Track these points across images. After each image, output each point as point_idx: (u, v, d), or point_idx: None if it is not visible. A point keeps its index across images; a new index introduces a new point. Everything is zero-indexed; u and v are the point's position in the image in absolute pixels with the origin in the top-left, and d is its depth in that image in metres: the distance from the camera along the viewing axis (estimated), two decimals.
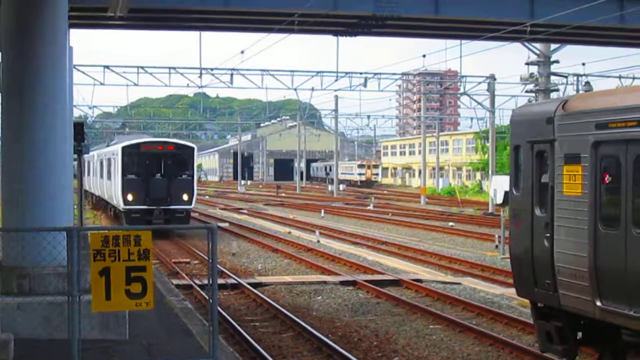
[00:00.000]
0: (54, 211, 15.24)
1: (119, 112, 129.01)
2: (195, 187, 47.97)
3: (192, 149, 48.42)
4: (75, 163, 27.50)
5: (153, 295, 11.80)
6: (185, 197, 45.78)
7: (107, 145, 67.21)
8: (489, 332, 20.48)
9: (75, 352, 11.72)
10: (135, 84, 61.04)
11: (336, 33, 34.12)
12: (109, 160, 52.41)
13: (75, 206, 27.26)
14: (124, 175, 45.92)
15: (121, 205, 45.83)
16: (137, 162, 46.59)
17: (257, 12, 28.87)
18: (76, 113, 66.74)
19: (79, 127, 27.70)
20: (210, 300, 12.27)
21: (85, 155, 63.61)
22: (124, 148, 46.86)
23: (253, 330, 20.54)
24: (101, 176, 58.98)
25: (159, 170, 45.95)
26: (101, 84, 59.69)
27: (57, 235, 13.06)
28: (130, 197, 45.52)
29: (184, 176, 46.43)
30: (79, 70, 55.32)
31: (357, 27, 30.79)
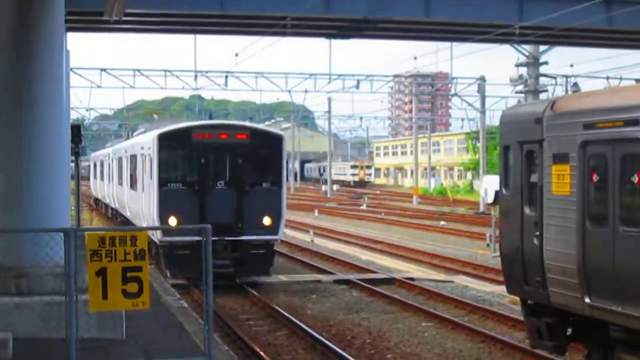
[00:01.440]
0: (52, 212, 15.23)
1: (115, 115, 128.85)
2: (285, 204, 27.66)
3: (280, 139, 28.29)
4: (73, 165, 27.42)
5: (149, 295, 11.81)
6: (266, 220, 26.52)
7: (128, 138, 45.13)
8: (481, 329, 20.50)
9: (73, 350, 11.71)
10: (132, 87, 61.08)
11: (329, 36, 34.16)
12: (133, 158, 33.55)
13: (73, 207, 27.22)
14: (161, 184, 26.26)
15: (158, 235, 26.10)
16: (185, 161, 27.60)
17: (252, 15, 28.86)
18: (73, 115, 66.55)
19: (76, 129, 27.63)
20: (205, 300, 12.28)
21: (96, 154, 61.92)
22: (161, 138, 26.81)
23: (248, 328, 20.54)
24: (119, 182, 40.62)
25: (222, 174, 26.74)
26: (98, 86, 59.67)
27: (55, 236, 13.04)
28: (172, 222, 25.89)
29: (265, 185, 26.97)
30: (76, 73, 55.17)
31: (350, 30, 30.81)
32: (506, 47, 46.91)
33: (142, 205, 29.64)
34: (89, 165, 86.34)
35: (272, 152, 27.50)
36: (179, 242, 25.47)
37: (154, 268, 24.10)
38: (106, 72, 59.39)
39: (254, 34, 34.55)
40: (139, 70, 60.55)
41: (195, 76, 62.50)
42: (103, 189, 53.12)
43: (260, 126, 33.87)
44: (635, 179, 13.18)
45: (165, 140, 26.72)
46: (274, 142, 27.84)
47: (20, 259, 14.50)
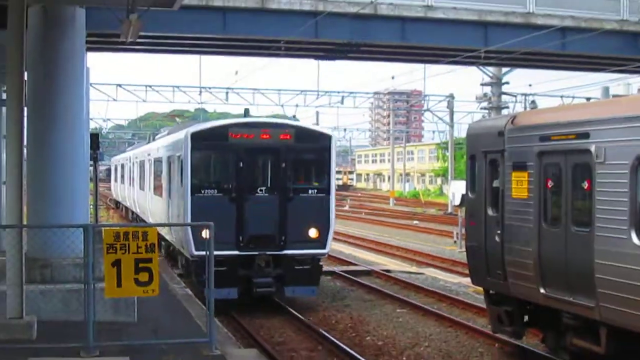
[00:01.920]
0: (73, 210, 15.21)
1: (129, 125, 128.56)
2: (334, 213, 21.78)
3: (328, 139, 22.24)
4: (91, 169, 27.33)
5: (158, 283, 11.79)
6: (312, 232, 21.09)
7: (154, 140, 35.31)
8: (448, 316, 20.50)
9: (90, 332, 11.70)
10: (144, 100, 61.02)
11: (317, 57, 34.08)
12: (158, 162, 27.32)
13: (91, 206, 27.12)
14: (194, 191, 20.70)
15: (191, 249, 20.28)
16: (221, 164, 21.70)
17: (250, 39, 28.83)
18: (92, 125, 66.36)
19: (95, 138, 27.58)
20: (207, 286, 12.26)
21: (116, 157, 60.82)
22: (194, 137, 20.91)
23: (243, 314, 20.46)
24: (141, 187, 33.88)
25: (262, 180, 21.31)
26: (114, 100, 59.51)
27: (75, 231, 13.03)
28: (206, 234, 17.06)
29: (312, 192, 21.47)
30: (95, 88, 55.06)
31: (335, 53, 30.79)
32: (473, 69, 46.85)
33: (170, 213, 23.28)
34: (110, 168, 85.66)
35: (319, 154, 21.75)
36: (214, 257, 18.25)
37: (163, 259, 23.87)
38: (121, 87, 59.31)
39: (251, 55, 34.53)
40: (150, 86, 60.54)
41: (200, 91, 62.58)
42: (124, 192, 47.58)
43: (305, 124, 25.49)
44: (585, 185, 13.21)
45: (199, 140, 20.68)
46: (322, 142, 21.78)
47: (44, 251, 14.46)
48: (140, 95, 60.47)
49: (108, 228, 11.99)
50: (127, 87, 59.69)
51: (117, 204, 58.51)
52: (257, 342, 16.96)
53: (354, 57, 32.73)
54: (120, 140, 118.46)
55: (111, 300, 12.95)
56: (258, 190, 20.70)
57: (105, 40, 26.07)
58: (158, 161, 27.20)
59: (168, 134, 28.42)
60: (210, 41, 29.78)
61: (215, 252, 15.45)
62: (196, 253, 19.75)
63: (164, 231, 24.94)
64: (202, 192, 20.46)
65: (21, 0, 12.96)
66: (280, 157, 20.83)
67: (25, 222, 13.72)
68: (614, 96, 15.72)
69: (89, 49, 23.04)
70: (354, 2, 26.07)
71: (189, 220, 20.12)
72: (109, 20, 17.22)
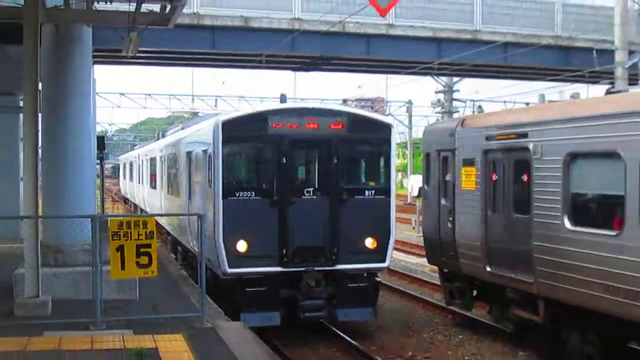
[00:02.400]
0: (82, 203, 15.08)
1: (131, 128, 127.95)
2: (394, 218, 15.98)
3: (388, 128, 15.78)
4: (98, 167, 27.11)
5: (157, 266, 11.76)
6: (370, 242, 15.21)
7: (163, 136, 29.26)
8: (408, 291, 20.57)
9: (98, 309, 11.66)
10: (144, 107, 60.80)
11: (294, 69, 34.12)
12: (174, 158, 21.46)
13: (98, 199, 26.94)
14: (226, 193, 14.51)
15: (224, 266, 14.37)
16: (260, 160, 15.43)
17: (235, 53, 28.78)
18: (98, 128, 65.98)
19: (101, 139, 27.36)
20: (199, 267, 12.23)
21: (125, 155, 60.04)
22: (226, 126, 14.67)
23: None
24: (152, 185, 28.16)
25: (310, 179, 15.63)
26: (118, 107, 59.19)
27: (84, 221, 12.96)
28: (242, 247, 14.42)
29: (368, 193, 15.47)
30: (100, 96, 54.65)
31: (310, 65, 30.82)
32: (428, 78, 46.94)
33: (190, 218, 17.34)
34: (115, 166, 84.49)
35: (377, 146, 15.63)
36: (251, 275, 14.38)
37: (161, 245, 23.72)
38: (124, 95, 58.98)
39: (237, 67, 34.43)
40: (149, 94, 60.28)
41: (193, 99, 62.44)
42: (132, 189, 41.96)
43: (360, 111, 18.09)
44: (524, 178, 13.31)
45: (233, 130, 14.57)
46: (381, 132, 15.45)
47: (57, 239, 14.37)
48: (140, 102, 60.21)
49: (113, 218, 11.96)
50: (129, 95, 59.42)
51: (126, 200, 57.90)
52: None
53: (326, 68, 32.81)
54: (123, 142, 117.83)
55: (116, 281, 12.88)
56: (305, 192, 14.78)
57: (110, 54, 25.90)
58: (173, 158, 21.50)
59: (182, 128, 23.36)
60: (201, 55, 29.71)
61: (254, 269, 14.08)
62: (231, 271, 14.26)
63: (167, 228, 21.04)
64: (237, 195, 14.40)
65: (35, 20, 12.93)
66: (331, 151, 14.88)
67: (40, 214, 13.65)
68: (549, 102, 15.78)
69: (95, 62, 22.88)
70: (325, 22, 26.07)
71: (220, 230, 14.25)
72: (113, 37, 17.14)
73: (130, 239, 11.47)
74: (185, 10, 20.45)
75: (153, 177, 28.35)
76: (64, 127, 15.11)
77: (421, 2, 28.85)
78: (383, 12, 10.31)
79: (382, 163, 15.76)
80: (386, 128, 15.58)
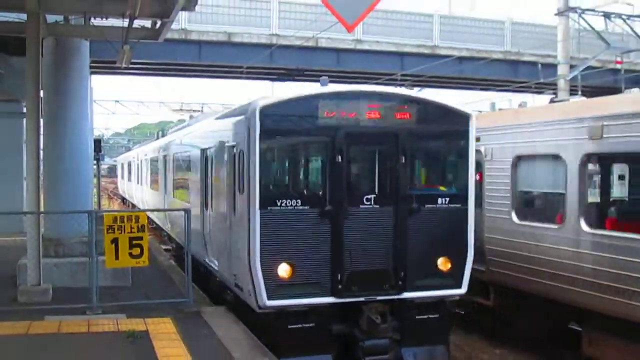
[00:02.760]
0: (81, 199, 14.97)
1: (126, 132, 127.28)
2: (472, 232, 10.33)
3: (466, 119, 10.40)
4: (95, 167, 26.93)
5: (148, 256, 11.72)
6: (441, 263, 10.20)
7: (163, 136, 25.39)
8: None
9: (94, 295, 11.61)
10: (137, 113, 60.61)
11: (272, 79, 34.14)
12: (184, 159, 16.43)
13: (95, 196, 26.76)
14: (264, 202, 9.40)
15: (262, 298, 9.46)
16: (305, 160, 10.52)
17: (219, 65, 28.80)
18: (95, 132, 65.42)
19: (98, 142, 27.23)
20: (186, 257, 12.18)
21: (122, 156, 59.53)
22: (263, 114, 9.43)
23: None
24: (165, 189, 20.55)
25: (369, 183, 10.10)
26: (113, 113, 58.83)
27: (82, 216, 12.87)
28: (284, 272, 9.45)
29: (442, 201, 10.23)
30: (97, 103, 54.25)
31: (286, 76, 30.85)
32: (391, 88, 47.04)
33: (210, 231, 12.85)
34: (111, 166, 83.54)
35: (454, 143, 10.90)
36: (296, 307, 9.87)
37: (153, 238, 23.51)
38: (119, 102, 58.64)
39: (221, 78, 34.46)
40: (142, 102, 60.16)
41: (181, 106, 62.17)
42: (130, 190, 37.86)
43: (431, 99, 10.74)
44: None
45: (274, 120, 9.80)
46: (458, 124, 10.65)
47: (58, 232, 14.30)
48: (133, 109, 59.84)
49: (108, 213, 11.88)
50: (123, 103, 58.96)
51: (124, 199, 57.21)
52: None
53: (301, 79, 32.84)
54: (118, 145, 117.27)
55: (110, 270, 12.79)
56: (364, 200, 10.06)
57: (105, 65, 25.74)
58: (183, 159, 16.79)
59: (188, 124, 19.42)
60: (189, 66, 29.69)
61: (300, 301, 9.74)
62: (270, 303, 9.68)
63: (178, 238, 16.66)
64: (278, 203, 9.70)
65: (37, 34, 12.85)
66: (398, 148, 10.21)
67: (42, 210, 13.56)
68: (499, 109, 15.97)
69: (92, 72, 22.73)
70: (300, 37, 26.19)
71: (257, 250, 9.57)
72: (108, 50, 17.09)
73: (124, 232, 11.42)
74: (173, 26, 20.42)
75: (155, 179, 23.59)
76: (63, 131, 14.99)
77: (386, 20, 29.04)
78: (350, 28, 10.22)
79: (459, 163, 10.91)
80: (464, 119, 10.64)
